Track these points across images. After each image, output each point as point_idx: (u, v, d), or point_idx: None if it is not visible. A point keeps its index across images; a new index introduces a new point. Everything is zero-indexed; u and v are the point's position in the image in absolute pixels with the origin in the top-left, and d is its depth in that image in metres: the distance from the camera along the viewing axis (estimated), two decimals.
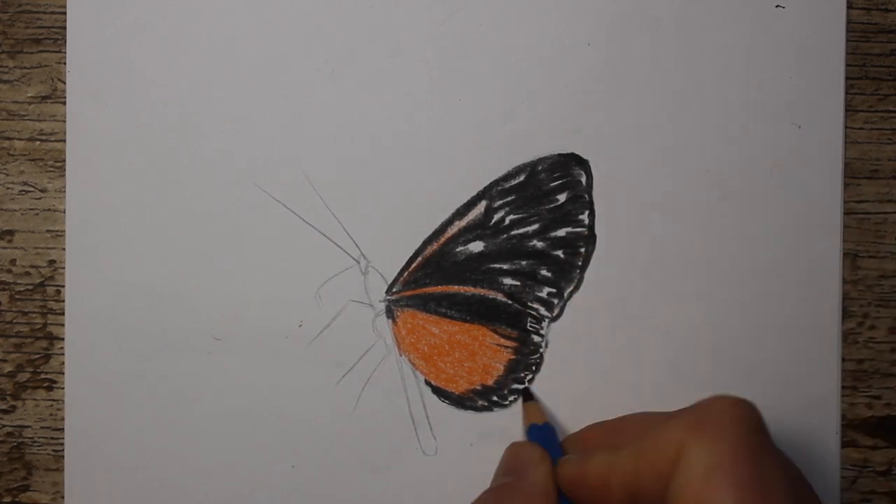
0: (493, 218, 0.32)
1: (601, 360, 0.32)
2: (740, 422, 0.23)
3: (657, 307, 0.32)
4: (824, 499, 0.30)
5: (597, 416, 0.31)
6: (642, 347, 0.32)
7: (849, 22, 0.32)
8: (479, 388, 0.32)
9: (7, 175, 0.32)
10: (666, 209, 0.32)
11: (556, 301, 0.32)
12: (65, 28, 0.32)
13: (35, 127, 0.32)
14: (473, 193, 0.32)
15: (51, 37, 0.32)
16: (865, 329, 0.32)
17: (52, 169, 0.32)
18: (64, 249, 0.32)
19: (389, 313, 0.32)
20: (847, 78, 0.32)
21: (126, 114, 0.32)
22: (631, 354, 0.32)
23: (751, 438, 0.22)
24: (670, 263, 0.32)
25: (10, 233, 0.32)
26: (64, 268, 0.32)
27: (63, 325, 0.32)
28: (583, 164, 0.32)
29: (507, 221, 0.32)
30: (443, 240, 0.32)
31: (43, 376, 0.32)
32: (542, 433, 0.30)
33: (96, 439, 0.32)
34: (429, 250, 0.32)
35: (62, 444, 0.32)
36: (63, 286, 0.32)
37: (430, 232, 0.32)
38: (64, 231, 0.32)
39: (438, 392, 0.32)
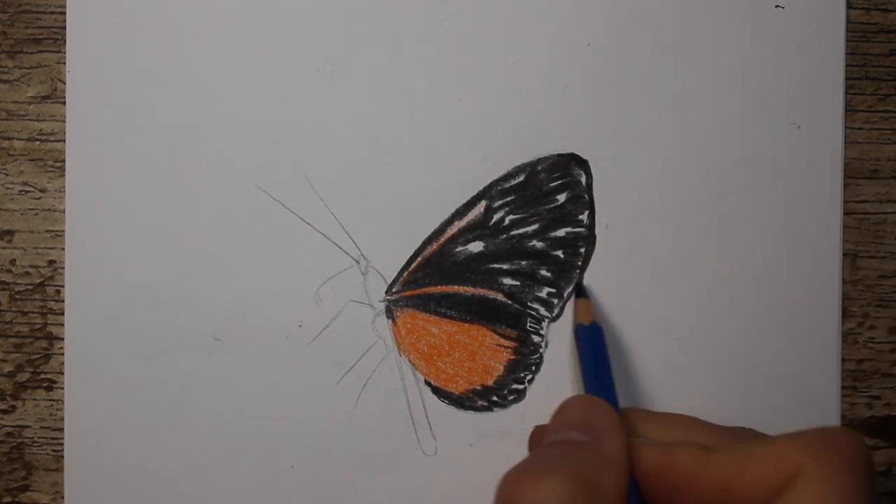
0: (492, 218, 0.32)
1: None
2: (865, 461, 0.23)
3: (657, 307, 0.32)
4: None
5: None
6: (642, 347, 0.32)
7: (849, 22, 0.32)
8: (478, 388, 0.32)
9: (7, 175, 0.32)
10: (666, 209, 0.32)
11: (555, 301, 0.32)
12: (65, 28, 0.32)
13: (35, 127, 0.32)
14: (473, 193, 0.32)
15: (51, 37, 0.32)
16: (865, 329, 0.32)
17: (51, 169, 0.32)
18: (64, 249, 0.32)
19: (389, 313, 0.32)
20: (847, 78, 0.32)
21: (126, 114, 0.32)
22: (631, 354, 0.32)
23: (871, 481, 0.22)
24: (670, 263, 0.32)
25: (10, 233, 0.32)
26: (64, 268, 0.32)
27: (63, 325, 0.32)
28: (582, 164, 0.32)
29: (506, 221, 0.32)
30: (442, 240, 0.32)
31: (43, 376, 0.32)
32: (588, 335, 0.29)
33: (96, 439, 0.32)
34: (428, 250, 0.32)
35: (62, 444, 0.32)
36: (63, 286, 0.32)
37: (429, 232, 0.32)
38: (64, 231, 0.32)
39: (438, 392, 0.32)
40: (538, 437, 0.30)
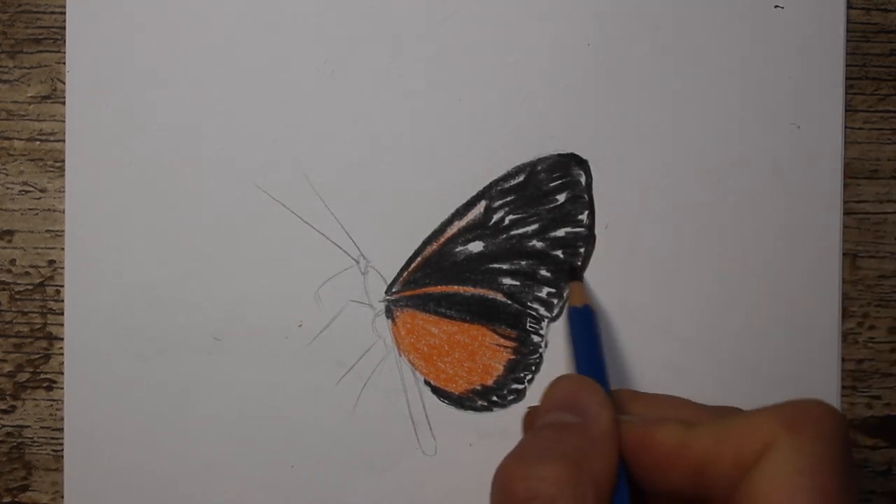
0: (492, 218, 0.32)
1: None
2: (838, 431, 0.23)
3: (657, 307, 0.32)
4: None
5: None
6: (642, 347, 0.32)
7: (849, 22, 0.32)
8: (478, 388, 0.32)
9: (7, 175, 0.32)
10: (666, 209, 0.32)
11: (555, 301, 0.32)
12: (65, 28, 0.32)
13: (35, 127, 0.32)
14: (473, 193, 0.32)
15: (51, 37, 0.32)
16: (865, 329, 0.32)
17: (51, 169, 0.32)
18: (64, 249, 0.32)
19: (389, 313, 0.32)
20: (847, 78, 0.32)
21: (126, 114, 0.32)
22: (631, 354, 0.32)
23: (844, 451, 0.22)
24: (670, 263, 0.32)
25: (10, 233, 0.32)
26: (64, 268, 0.32)
27: (63, 325, 0.32)
28: (582, 164, 0.32)
29: (506, 221, 0.32)
30: (442, 240, 0.32)
31: (43, 376, 0.32)
32: (581, 316, 0.29)
33: (96, 439, 0.32)
34: (428, 250, 0.32)
35: (62, 444, 0.32)
36: (63, 286, 0.32)
37: (429, 232, 0.32)
38: (64, 231, 0.32)
39: (438, 392, 0.32)
40: (531, 418, 0.30)
